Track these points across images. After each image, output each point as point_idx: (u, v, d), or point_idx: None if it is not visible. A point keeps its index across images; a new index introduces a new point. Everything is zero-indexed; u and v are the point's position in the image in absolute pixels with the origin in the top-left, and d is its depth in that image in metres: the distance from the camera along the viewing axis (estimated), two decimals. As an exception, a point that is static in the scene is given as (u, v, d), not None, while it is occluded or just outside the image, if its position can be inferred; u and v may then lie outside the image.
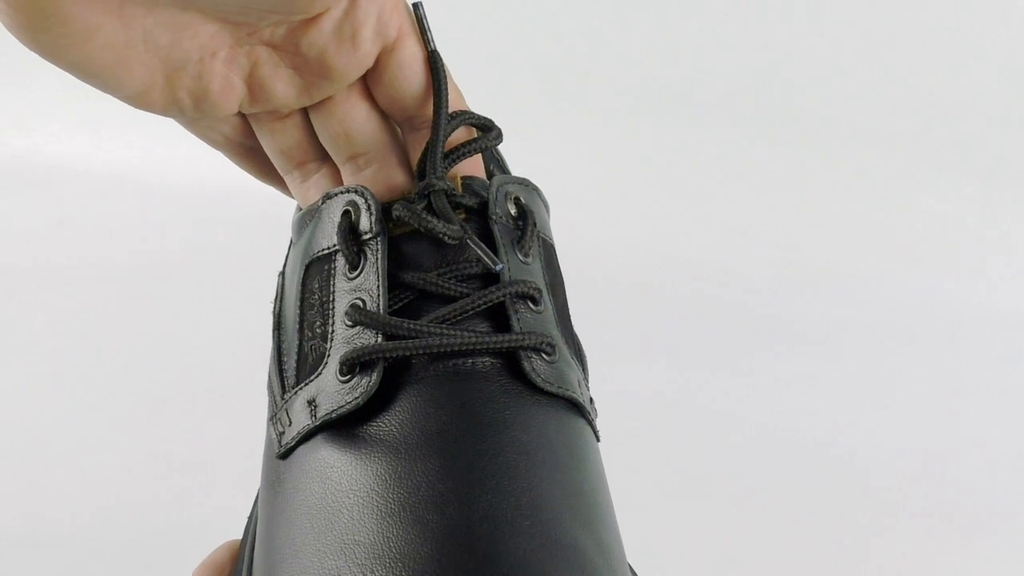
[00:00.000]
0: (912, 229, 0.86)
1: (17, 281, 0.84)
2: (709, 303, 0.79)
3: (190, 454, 0.64)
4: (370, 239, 0.35)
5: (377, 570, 0.29)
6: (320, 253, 0.36)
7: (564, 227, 0.85)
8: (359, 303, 0.34)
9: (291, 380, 0.36)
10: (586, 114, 0.91)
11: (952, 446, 0.66)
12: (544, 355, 0.34)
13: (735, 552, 0.57)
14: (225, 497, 0.54)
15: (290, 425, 0.35)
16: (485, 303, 0.34)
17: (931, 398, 0.71)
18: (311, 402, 0.34)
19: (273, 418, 0.36)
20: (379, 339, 0.33)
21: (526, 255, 0.36)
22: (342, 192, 0.36)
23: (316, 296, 0.36)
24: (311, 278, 0.36)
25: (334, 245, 0.36)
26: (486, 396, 0.33)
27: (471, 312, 0.34)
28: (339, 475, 0.32)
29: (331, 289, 0.35)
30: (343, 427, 0.33)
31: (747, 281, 0.82)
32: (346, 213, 0.36)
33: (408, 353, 0.33)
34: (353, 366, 0.33)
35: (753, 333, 0.76)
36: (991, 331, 0.78)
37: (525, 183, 0.38)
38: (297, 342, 0.36)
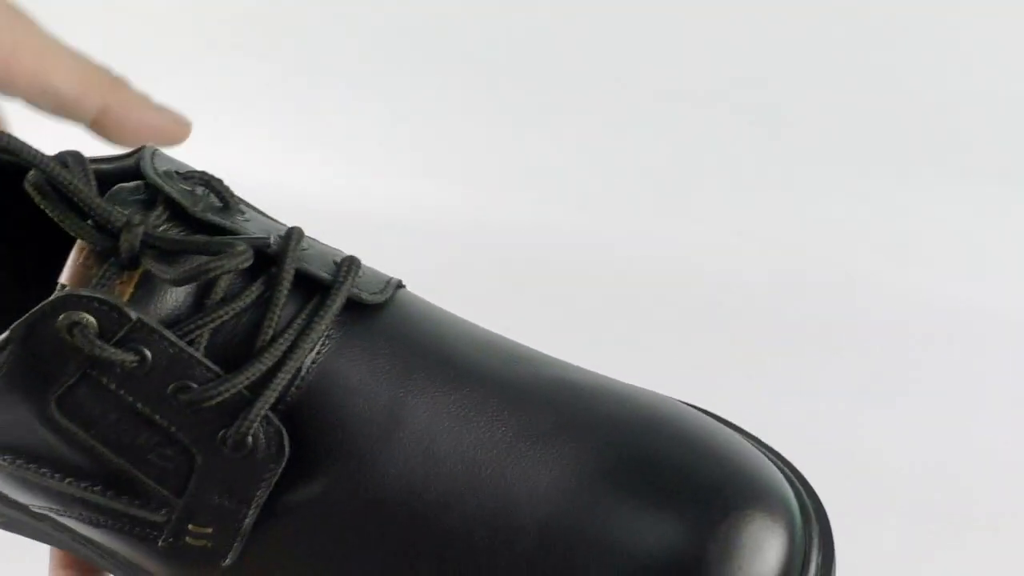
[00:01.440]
0: (912, 229, 0.85)
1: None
2: (708, 304, 0.78)
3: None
4: (133, 330, 0.31)
5: None
6: (66, 383, 0.31)
7: (564, 227, 0.85)
8: (183, 386, 0.31)
9: (157, 501, 0.32)
10: (585, 114, 0.90)
11: (954, 445, 0.65)
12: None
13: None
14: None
15: (213, 532, 0.32)
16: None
17: (932, 398, 0.70)
18: (222, 494, 0.32)
19: (178, 536, 0.32)
20: (245, 394, 0.31)
21: None
22: (46, 311, 0.31)
23: (103, 418, 0.31)
24: (79, 408, 0.31)
25: (79, 366, 0.31)
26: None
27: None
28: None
29: (123, 402, 0.31)
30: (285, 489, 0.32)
31: (747, 281, 0.82)
32: (72, 327, 0.30)
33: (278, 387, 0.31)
34: (241, 438, 0.31)
35: (753, 334, 0.75)
36: (991, 331, 0.77)
37: None
38: (121, 464, 0.32)
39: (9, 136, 0.32)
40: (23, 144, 0.31)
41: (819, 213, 0.86)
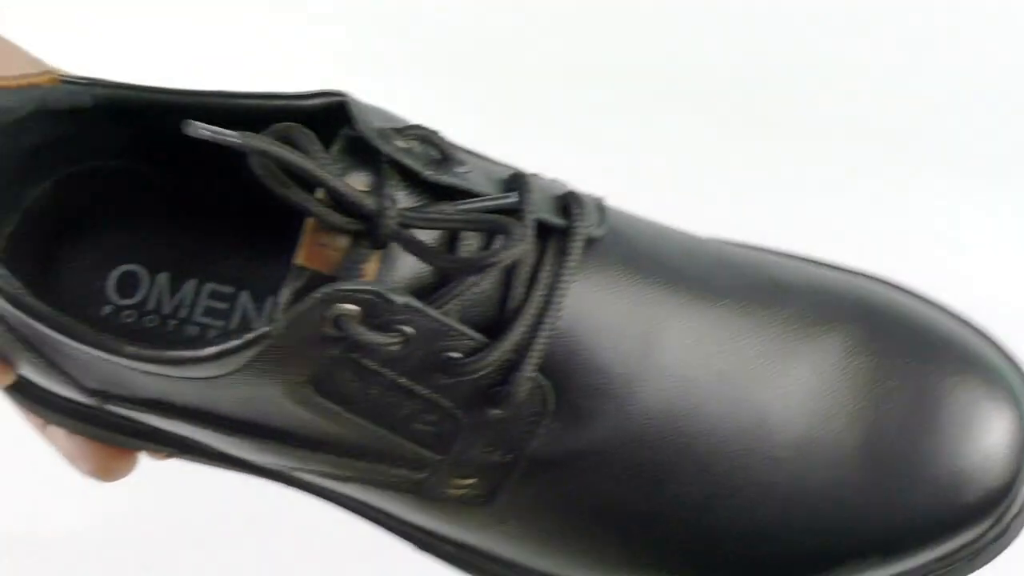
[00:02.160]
0: (912, 229, 0.81)
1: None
2: None
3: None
4: (397, 312, 0.30)
5: None
6: (325, 368, 0.30)
7: None
8: (447, 357, 0.30)
9: (420, 462, 0.32)
10: (584, 114, 0.85)
11: None
12: None
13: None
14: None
15: (477, 481, 0.32)
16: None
17: None
18: (485, 449, 0.32)
19: (435, 490, 0.33)
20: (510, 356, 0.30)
21: None
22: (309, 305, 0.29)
23: (364, 393, 0.31)
24: (337, 389, 0.30)
25: (342, 352, 0.30)
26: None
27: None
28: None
29: (386, 378, 0.30)
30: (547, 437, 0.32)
31: None
32: (338, 319, 0.29)
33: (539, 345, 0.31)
34: (506, 396, 0.31)
35: None
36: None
37: None
38: (384, 434, 0.31)
39: (209, 128, 0.28)
40: (224, 133, 0.28)
41: (818, 213, 0.83)
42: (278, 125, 0.29)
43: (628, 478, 0.32)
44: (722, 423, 0.33)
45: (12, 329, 0.34)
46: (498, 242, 0.30)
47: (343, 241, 0.29)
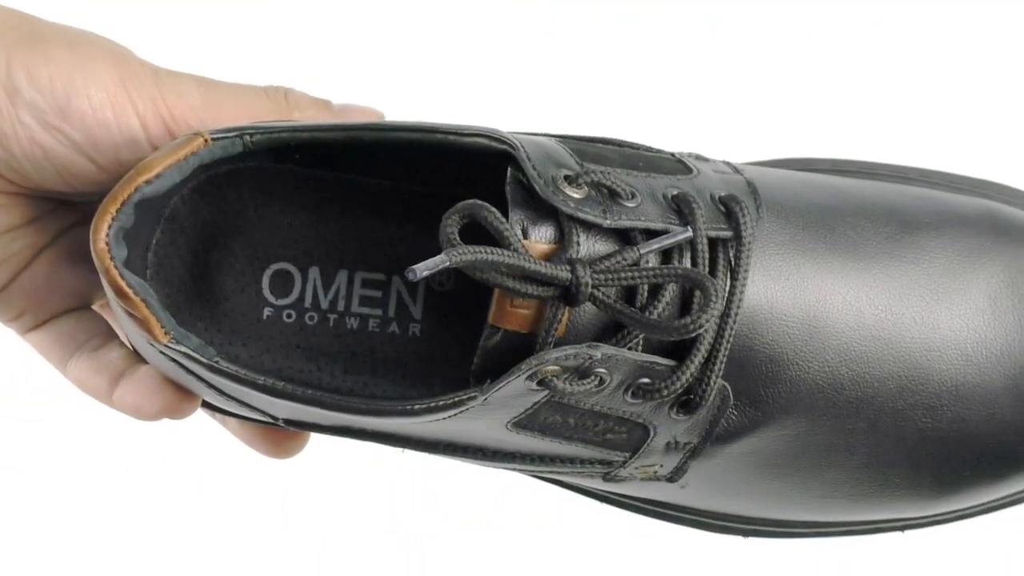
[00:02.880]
0: None
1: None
2: None
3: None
4: (592, 362, 0.31)
5: None
6: (527, 412, 0.32)
7: None
8: (640, 385, 0.32)
9: (612, 458, 0.34)
10: (583, 113, 0.82)
11: None
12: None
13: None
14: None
15: (661, 466, 0.35)
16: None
17: None
18: (671, 444, 0.34)
19: (623, 471, 0.35)
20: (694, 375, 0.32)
21: None
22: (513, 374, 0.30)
23: (567, 422, 0.32)
24: (539, 421, 0.32)
25: (543, 397, 0.31)
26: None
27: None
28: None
29: (583, 408, 0.32)
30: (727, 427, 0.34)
31: None
32: (544, 380, 0.31)
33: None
34: (694, 406, 0.33)
35: None
36: None
37: None
38: (578, 447, 0.33)
39: (425, 267, 0.28)
40: (436, 263, 0.29)
41: None
42: (466, 204, 0.29)
43: (801, 446, 0.35)
44: (884, 385, 0.35)
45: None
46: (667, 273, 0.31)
47: (535, 304, 0.30)
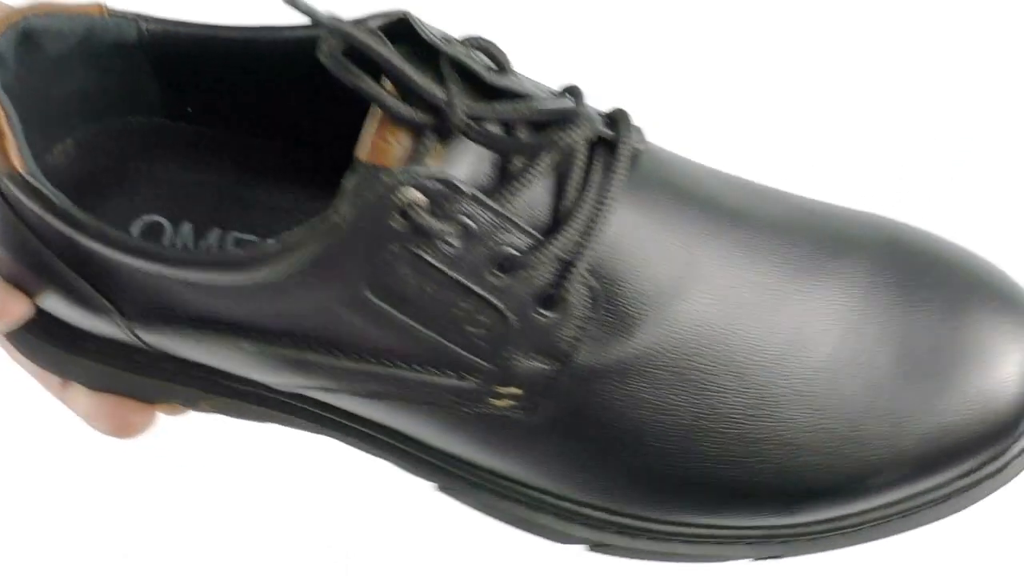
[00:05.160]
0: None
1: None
2: None
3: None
4: (460, 203, 0.30)
5: None
6: (386, 261, 0.30)
7: None
8: (506, 253, 0.31)
9: (468, 369, 0.33)
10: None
11: None
12: None
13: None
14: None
15: (526, 386, 0.33)
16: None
17: None
18: (534, 351, 0.32)
19: (481, 402, 0.33)
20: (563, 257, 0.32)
21: None
22: (378, 191, 0.30)
23: (425, 292, 0.31)
24: (396, 288, 0.31)
25: (404, 243, 0.30)
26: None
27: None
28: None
29: (445, 274, 0.31)
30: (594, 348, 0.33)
31: None
32: (407, 209, 0.30)
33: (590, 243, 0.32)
34: (559, 298, 0.32)
35: None
36: None
37: None
38: (436, 337, 0.32)
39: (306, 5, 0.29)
40: (317, 10, 0.29)
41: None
42: (348, 21, 0.30)
43: (669, 388, 0.33)
44: (758, 337, 0.34)
45: (41, 263, 0.33)
46: (546, 151, 0.31)
47: (407, 138, 0.30)
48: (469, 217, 0.30)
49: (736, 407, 0.33)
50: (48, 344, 0.36)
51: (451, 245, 0.30)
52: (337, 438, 0.37)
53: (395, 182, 0.29)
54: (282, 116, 0.37)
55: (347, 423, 0.36)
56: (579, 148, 0.32)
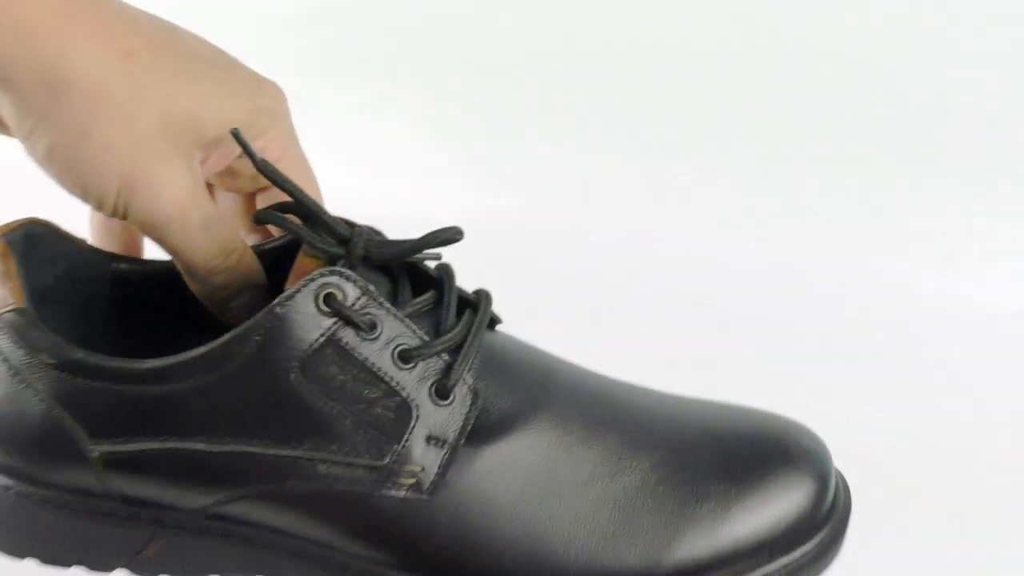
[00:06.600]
0: (911, 228, 0.85)
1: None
2: (707, 304, 0.80)
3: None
4: (369, 303, 0.40)
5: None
6: (314, 345, 0.40)
7: (564, 226, 0.86)
8: (404, 347, 0.41)
9: (378, 448, 0.41)
10: (584, 112, 0.91)
11: (951, 445, 0.66)
12: None
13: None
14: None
15: (423, 469, 0.41)
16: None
17: (930, 398, 0.70)
18: (430, 439, 0.41)
19: (387, 483, 0.41)
20: (445, 357, 0.41)
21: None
22: (309, 282, 0.40)
23: (343, 376, 0.40)
24: (320, 369, 0.40)
25: (329, 329, 0.40)
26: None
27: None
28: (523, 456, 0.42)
29: (360, 360, 0.40)
30: (475, 435, 0.41)
31: (745, 281, 0.82)
32: (328, 296, 0.40)
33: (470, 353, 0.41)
34: (448, 389, 0.41)
35: (750, 333, 0.76)
36: (992, 331, 0.78)
37: None
38: (352, 419, 0.40)
39: (267, 164, 0.41)
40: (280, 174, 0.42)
41: (816, 212, 0.86)
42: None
43: (517, 492, 0.42)
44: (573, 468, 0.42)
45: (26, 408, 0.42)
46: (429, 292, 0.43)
47: (323, 265, 0.41)
48: (375, 316, 0.40)
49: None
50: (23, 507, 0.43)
51: (364, 335, 0.40)
52: (259, 561, 0.44)
53: (321, 276, 0.40)
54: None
55: (269, 539, 0.43)
56: (451, 293, 0.43)
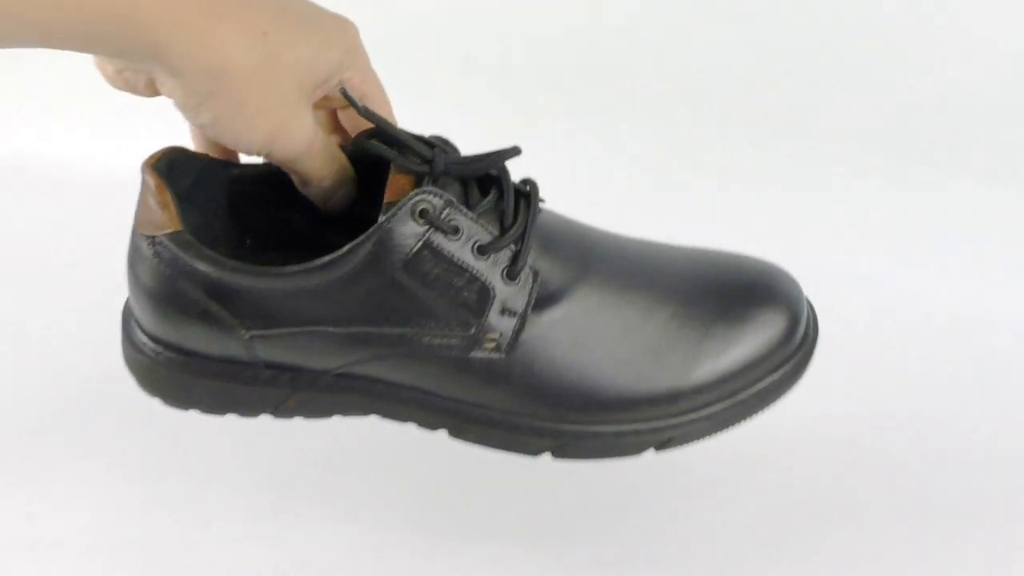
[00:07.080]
0: (910, 229, 0.85)
1: (15, 279, 0.84)
2: None
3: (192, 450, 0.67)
4: (452, 211, 0.51)
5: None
6: (413, 249, 0.51)
7: None
8: (480, 242, 0.52)
9: (466, 322, 0.52)
10: (583, 112, 0.93)
11: (949, 447, 0.68)
12: None
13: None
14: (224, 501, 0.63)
15: (500, 335, 0.53)
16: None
17: (929, 398, 0.72)
18: (504, 311, 0.52)
19: (474, 347, 0.53)
20: (512, 247, 0.53)
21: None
22: (407, 202, 0.51)
23: (437, 270, 0.51)
24: (419, 267, 0.51)
25: (423, 235, 0.51)
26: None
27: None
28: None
29: (449, 257, 0.51)
30: (537, 305, 0.53)
31: None
32: (421, 210, 0.51)
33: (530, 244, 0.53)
34: (516, 272, 0.53)
35: None
36: (991, 331, 0.78)
37: None
38: (445, 302, 0.52)
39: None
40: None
41: (816, 211, 0.88)
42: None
43: (571, 345, 0.54)
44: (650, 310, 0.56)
45: (188, 301, 0.53)
46: (492, 192, 0.55)
47: (411, 182, 0.53)
48: (457, 221, 0.52)
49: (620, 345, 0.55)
50: (185, 375, 0.55)
51: (450, 237, 0.52)
52: (374, 407, 0.55)
53: (416, 195, 0.51)
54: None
55: (384, 390, 0.55)
56: (510, 192, 0.54)
